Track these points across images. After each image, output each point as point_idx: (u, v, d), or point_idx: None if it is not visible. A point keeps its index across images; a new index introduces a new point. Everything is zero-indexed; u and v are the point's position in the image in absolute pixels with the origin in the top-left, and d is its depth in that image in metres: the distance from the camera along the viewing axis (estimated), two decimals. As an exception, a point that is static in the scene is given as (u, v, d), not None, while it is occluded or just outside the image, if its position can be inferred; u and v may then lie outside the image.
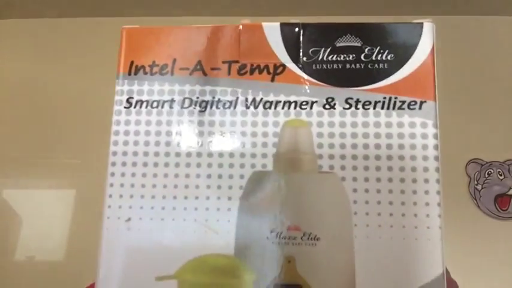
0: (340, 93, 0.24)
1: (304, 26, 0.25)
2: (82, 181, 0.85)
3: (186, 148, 0.24)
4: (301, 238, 0.22)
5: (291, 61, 0.25)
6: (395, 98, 0.24)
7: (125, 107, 0.25)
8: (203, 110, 0.24)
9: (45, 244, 0.84)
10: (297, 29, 0.25)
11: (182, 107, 0.25)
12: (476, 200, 0.77)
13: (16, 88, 0.93)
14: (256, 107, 0.24)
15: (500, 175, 0.77)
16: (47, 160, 0.89)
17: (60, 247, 0.83)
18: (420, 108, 0.23)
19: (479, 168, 0.77)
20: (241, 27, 0.25)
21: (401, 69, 0.24)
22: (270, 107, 0.24)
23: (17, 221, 0.86)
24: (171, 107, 0.25)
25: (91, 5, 0.90)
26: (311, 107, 0.24)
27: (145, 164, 0.24)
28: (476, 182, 0.77)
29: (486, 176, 0.77)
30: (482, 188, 0.76)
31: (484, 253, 0.75)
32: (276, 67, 0.25)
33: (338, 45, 0.24)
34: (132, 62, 0.26)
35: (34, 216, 0.86)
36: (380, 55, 0.24)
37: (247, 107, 0.24)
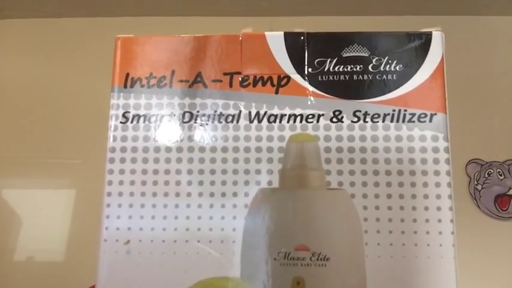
0: (347, 106, 0.23)
1: (309, 35, 0.24)
2: (82, 181, 0.84)
3: (187, 165, 0.23)
4: (310, 258, 0.21)
5: (296, 72, 0.23)
6: (405, 110, 0.23)
7: (121, 122, 0.24)
8: (205, 124, 0.23)
9: (45, 244, 0.83)
10: (301, 39, 0.24)
11: (182, 122, 0.23)
12: (476, 200, 0.77)
13: (16, 88, 0.92)
14: (260, 121, 0.23)
15: (500, 175, 0.76)
16: (47, 160, 0.88)
17: (60, 247, 0.82)
18: (431, 121, 0.23)
19: (479, 168, 0.77)
20: (242, 36, 0.24)
21: (410, 81, 0.23)
22: (274, 121, 0.23)
23: (17, 221, 0.84)
24: (170, 122, 0.24)
25: (91, 5, 0.88)
26: (317, 121, 0.23)
27: (143, 183, 0.23)
28: (476, 182, 0.77)
29: (486, 176, 0.76)
30: (482, 188, 0.76)
31: (484, 253, 0.74)
32: (280, 79, 0.23)
33: (345, 55, 0.23)
34: (127, 74, 0.24)
35: (34, 216, 0.84)
36: (388, 66, 0.23)
37: (251, 121, 0.23)
